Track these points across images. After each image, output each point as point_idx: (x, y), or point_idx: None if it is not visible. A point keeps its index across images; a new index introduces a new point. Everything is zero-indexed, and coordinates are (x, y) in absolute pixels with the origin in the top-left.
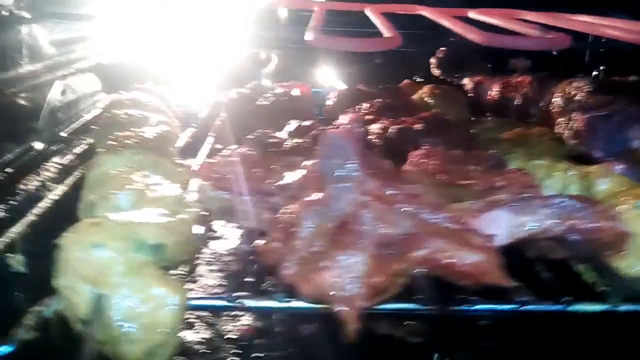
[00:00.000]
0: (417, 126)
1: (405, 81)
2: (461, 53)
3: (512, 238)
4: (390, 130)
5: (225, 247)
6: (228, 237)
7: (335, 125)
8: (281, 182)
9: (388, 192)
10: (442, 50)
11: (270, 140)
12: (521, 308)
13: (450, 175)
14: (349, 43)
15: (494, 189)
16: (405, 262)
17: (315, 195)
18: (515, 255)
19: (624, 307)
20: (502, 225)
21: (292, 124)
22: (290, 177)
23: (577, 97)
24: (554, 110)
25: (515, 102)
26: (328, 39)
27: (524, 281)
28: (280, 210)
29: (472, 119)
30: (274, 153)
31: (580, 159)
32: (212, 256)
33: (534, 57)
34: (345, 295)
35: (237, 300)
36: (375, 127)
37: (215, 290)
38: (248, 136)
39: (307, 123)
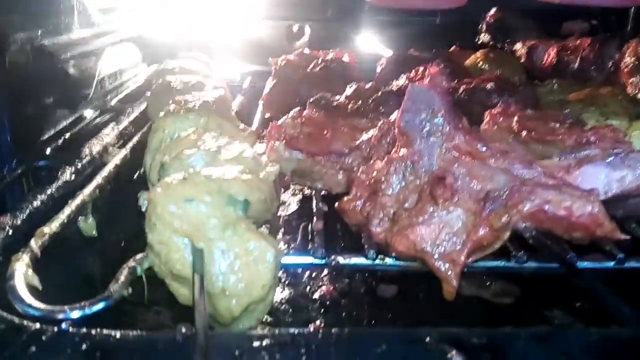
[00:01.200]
0: (487, 86)
1: (454, 47)
2: (512, 17)
3: (607, 194)
4: (460, 91)
5: (301, 209)
6: (299, 199)
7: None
8: (355, 143)
9: (478, 148)
10: (492, 14)
11: (333, 103)
12: (625, 265)
13: (534, 133)
14: (413, 1)
15: (583, 145)
16: (512, 215)
17: (402, 151)
18: None
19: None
20: (600, 180)
21: (351, 88)
22: (363, 137)
23: None
24: (625, 70)
25: (574, 66)
26: None
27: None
28: (363, 168)
29: (534, 82)
30: (338, 115)
31: None
32: (290, 217)
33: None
34: (445, 251)
35: (330, 259)
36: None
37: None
38: (311, 99)
39: (366, 86)
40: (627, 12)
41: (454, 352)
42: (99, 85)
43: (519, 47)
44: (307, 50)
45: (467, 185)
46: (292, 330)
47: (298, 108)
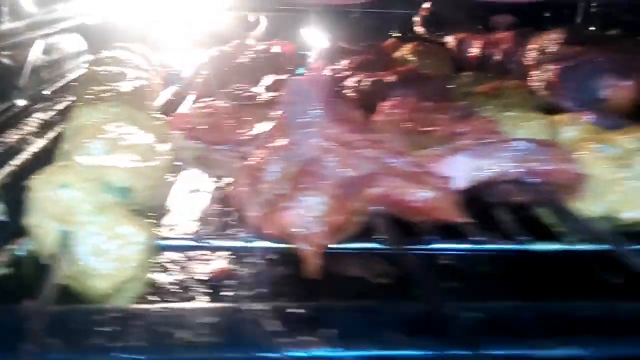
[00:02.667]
0: (390, 79)
1: (391, 39)
2: (445, 10)
3: (471, 181)
4: (362, 83)
5: (199, 194)
6: (201, 185)
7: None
8: (252, 132)
9: (351, 138)
10: (426, 7)
11: (245, 93)
12: (478, 247)
13: (417, 124)
14: None
15: (457, 136)
16: (361, 200)
17: (280, 141)
18: (476, 200)
19: (579, 247)
20: (462, 168)
21: (268, 79)
22: (261, 127)
23: (549, 49)
24: (527, 63)
25: (496, 58)
26: None
27: (484, 224)
28: (248, 157)
29: (453, 74)
30: (247, 106)
31: (553, 110)
32: (186, 202)
33: (520, 15)
34: (306, 234)
35: (204, 240)
36: (350, 81)
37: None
38: (223, 90)
39: (282, 77)
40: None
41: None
42: (34, 74)
43: (450, 39)
44: (249, 41)
45: (333, 172)
46: (124, 306)
47: (208, 98)
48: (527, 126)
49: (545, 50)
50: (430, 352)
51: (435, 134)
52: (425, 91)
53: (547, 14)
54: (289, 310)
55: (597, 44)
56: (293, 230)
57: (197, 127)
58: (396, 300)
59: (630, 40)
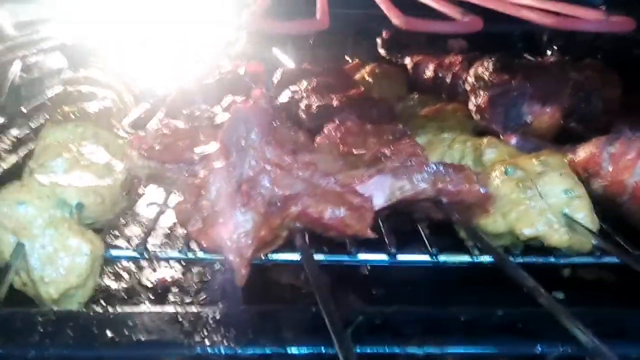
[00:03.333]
0: (336, 102)
1: (355, 61)
2: (405, 34)
3: (390, 200)
4: (313, 106)
5: (154, 208)
6: (154, 201)
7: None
8: (201, 152)
9: (286, 160)
10: (387, 31)
11: (204, 114)
12: (392, 260)
13: (351, 146)
14: (280, 26)
15: (379, 158)
16: (284, 217)
17: (221, 163)
18: (402, 217)
19: (484, 259)
20: (381, 188)
21: (226, 100)
22: (210, 147)
23: (482, 76)
24: (468, 89)
25: (447, 81)
26: (261, 21)
27: (406, 237)
28: (194, 177)
29: (401, 96)
30: (202, 126)
31: (486, 132)
32: (138, 217)
33: (480, 39)
34: (236, 247)
35: (149, 252)
36: (303, 104)
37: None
38: (183, 111)
39: (239, 99)
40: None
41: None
42: (13, 93)
43: (408, 62)
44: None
45: (268, 192)
46: (57, 309)
47: (166, 120)
48: (458, 148)
49: (480, 76)
50: (309, 351)
51: (365, 156)
52: (371, 113)
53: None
54: (211, 315)
55: (527, 70)
56: (224, 243)
57: (153, 146)
58: (299, 305)
59: (561, 65)
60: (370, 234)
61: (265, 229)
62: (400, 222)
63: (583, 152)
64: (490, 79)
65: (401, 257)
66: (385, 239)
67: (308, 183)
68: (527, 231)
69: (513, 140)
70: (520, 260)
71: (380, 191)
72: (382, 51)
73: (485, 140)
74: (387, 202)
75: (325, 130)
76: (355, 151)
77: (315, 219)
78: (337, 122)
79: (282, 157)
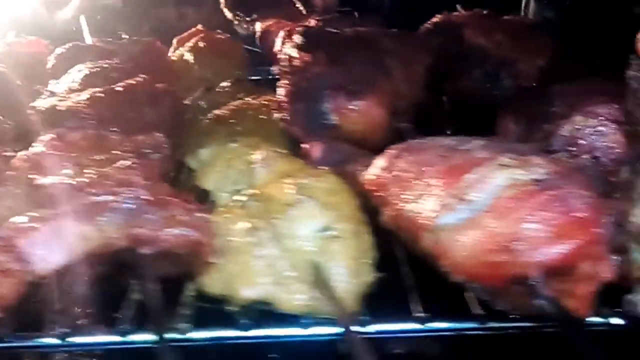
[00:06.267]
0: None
1: (195, 29)
2: None
3: (71, 256)
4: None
5: None
6: None
7: None
8: None
9: None
10: None
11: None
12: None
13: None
14: None
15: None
16: None
17: None
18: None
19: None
20: (62, 238)
21: None
22: None
23: (291, 55)
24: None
25: None
26: None
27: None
28: None
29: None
30: None
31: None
32: None
33: None
34: None
35: None
36: (83, 98)
37: None
38: None
39: None
40: None
41: None
42: None
43: (258, 29)
44: None
45: None
46: None
47: None
48: (239, 162)
49: (289, 56)
50: None
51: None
52: (132, 116)
53: None
54: None
55: (348, 45)
56: None
57: None
58: None
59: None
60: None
61: None
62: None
63: (374, 169)
64: (296, 60)
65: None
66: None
67: None
68: (246, 292)
69: (316, 150)
70: None
71: (57, 244)
72: (227, 12)
73: (257, 153)
74: (70, 257)
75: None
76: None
77: None
78: (54, 134)
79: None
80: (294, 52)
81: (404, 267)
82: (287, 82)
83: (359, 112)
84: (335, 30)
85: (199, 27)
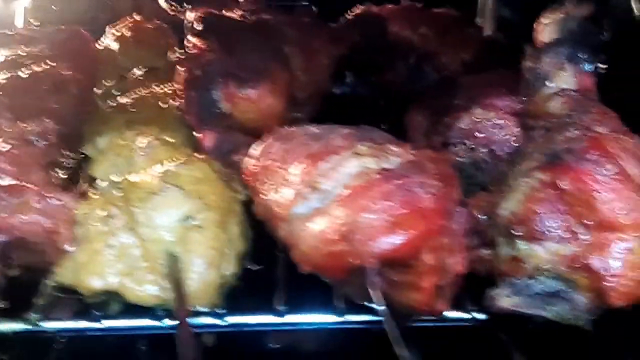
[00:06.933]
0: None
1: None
2: None
3: None
4: None
5: None
6: None
7: None
8: None
9: None
10: None
11: None
12: None
13: None
14: None
15: None
16: None
17: None
18: None
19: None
20: None
21: None
22: None
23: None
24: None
25: None
26: None
27: None
28: None
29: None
30: None
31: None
32: None
33: None
34: None
35: None
36: None
37: None
38: None
39: None
40: None
41: None
42: None
43: (189, 16)
44: None
45: None
46: None
47: None
48: (127, 150)
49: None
50: None
51: None
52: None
53: None
54: None
55: (242, 30)
56: None
57: None
58: None
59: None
60: None
61: None
62: None
63: (249, 158)
64: (191, 46)
65: None
66: None
67: None
68: (94, 282)
69: (208, 139)
70: None
71: None
72: (161, 1)
73: (139, 141)
74: None
75: None
76: None
77: None
78: None
79: None
80: (193, 39)
81: (279, 259)
82: (183, 69)
83: (250, 100)
84: (235, 18)
85: (135, 16)
